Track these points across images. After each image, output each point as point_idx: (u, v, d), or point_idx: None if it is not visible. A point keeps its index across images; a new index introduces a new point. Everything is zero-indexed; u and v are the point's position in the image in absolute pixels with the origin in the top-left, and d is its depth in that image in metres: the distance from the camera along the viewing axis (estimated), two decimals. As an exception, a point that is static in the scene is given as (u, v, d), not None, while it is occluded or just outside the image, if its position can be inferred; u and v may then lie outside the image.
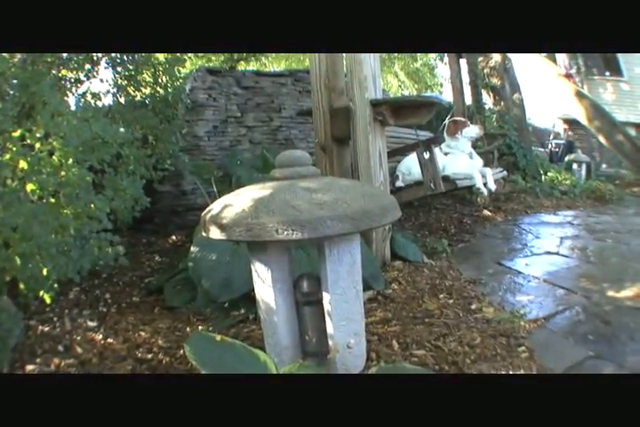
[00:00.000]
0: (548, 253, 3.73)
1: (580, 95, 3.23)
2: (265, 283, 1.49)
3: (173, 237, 4.04)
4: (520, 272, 3.22)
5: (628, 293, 2.72)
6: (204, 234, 1.47)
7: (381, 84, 3.20)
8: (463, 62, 6.83)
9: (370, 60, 3.03)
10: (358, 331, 1.65)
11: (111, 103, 3.45)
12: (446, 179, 3.59)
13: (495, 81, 7.43)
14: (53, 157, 2.18)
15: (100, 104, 3.25)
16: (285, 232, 1.26)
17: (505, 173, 5.33)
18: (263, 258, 1.48)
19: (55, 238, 2.08)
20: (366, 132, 2.96)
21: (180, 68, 3.84)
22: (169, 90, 3.70)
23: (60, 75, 3.20)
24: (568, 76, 7.15)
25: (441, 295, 2.79)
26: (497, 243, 4.16)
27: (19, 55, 2.97)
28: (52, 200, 2.16)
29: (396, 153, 3.65)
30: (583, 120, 3.04)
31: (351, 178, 3.21)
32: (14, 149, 2.01)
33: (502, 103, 7.48)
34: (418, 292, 2.81)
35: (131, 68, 3.45)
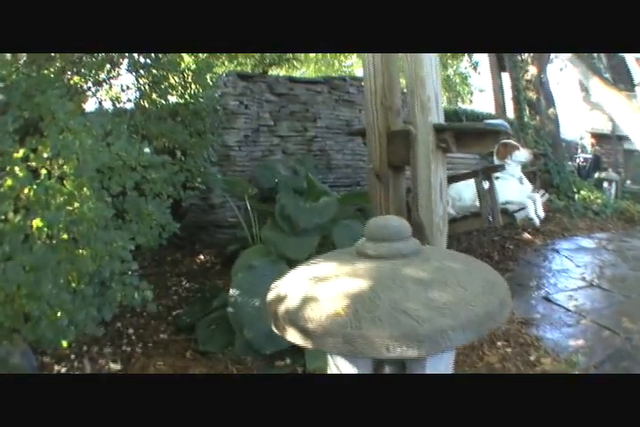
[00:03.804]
0: (591, 285, 3.75)
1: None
2: (346, 378, 1.20)
3: (201, 257, 3.74)
4: (568, 310, 3.26)
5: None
6: (275, 330, 1.13)
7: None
8: (505, 76, 6.50)
9: (432, 78, 2.71)
10: None
11: (132, 113, 3.05)
12: (504, 212, 3.27)
13: (531, 95, 7.07)
14: (65, 184, 1.82)
15: (120, 114, 2.86)
16: (398, 349, 0.94)
17: (547, 195, 5.02)
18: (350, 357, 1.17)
19: (69, 286, 1.73)
20: (428, 161, 2.63)
21: (212, 75, 3.49)
22: (200, 99, 3.33)
23: (71, 82, 2.86)
24: None
25: (499, 343, 2.76)
26: (541, 273, 4.12)
27: (24, 57, 2.63)
28: (65, 237, 1.77)
29: (452, 181, 3.30)
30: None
31: (406, 209, 2.90)
32: (17, 173, 1.65)
33: (538, 118, 7.14)
34: (476, 338, 2.62)
35: (155, 72, 3.07)
